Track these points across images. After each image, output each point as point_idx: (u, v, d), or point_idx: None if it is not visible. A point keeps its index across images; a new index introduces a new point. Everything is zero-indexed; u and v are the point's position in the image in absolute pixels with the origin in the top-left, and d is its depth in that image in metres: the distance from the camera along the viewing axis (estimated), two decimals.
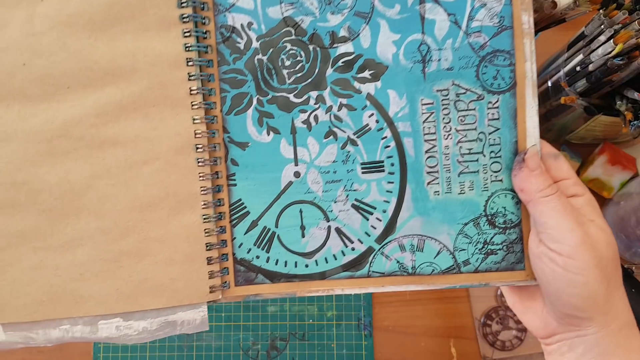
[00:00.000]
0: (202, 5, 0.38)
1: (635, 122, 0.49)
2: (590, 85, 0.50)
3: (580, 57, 0.53)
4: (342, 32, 0.38)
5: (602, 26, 0.49)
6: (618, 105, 0.51)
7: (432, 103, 0.38)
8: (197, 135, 0.38)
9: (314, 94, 0.38)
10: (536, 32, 0.55)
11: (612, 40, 0.47)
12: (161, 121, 0.38)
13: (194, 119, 0.38)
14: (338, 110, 0.39)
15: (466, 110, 0.38)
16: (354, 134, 0.39)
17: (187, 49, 0.37)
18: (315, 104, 0.39)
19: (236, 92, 0.39)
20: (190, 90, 0.38)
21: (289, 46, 0.39)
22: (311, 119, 0.39)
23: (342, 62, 0.38)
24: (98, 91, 0.37)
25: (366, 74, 0.38)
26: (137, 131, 0.37)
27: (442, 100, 0.38)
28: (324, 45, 0.38)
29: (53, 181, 0.38)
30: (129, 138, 0.37)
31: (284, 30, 0.38)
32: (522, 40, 0.37)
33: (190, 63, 0.37)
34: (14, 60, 0.36)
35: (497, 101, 0.38)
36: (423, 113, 0.38)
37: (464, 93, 0.38)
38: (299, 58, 0.39)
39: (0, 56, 0.36)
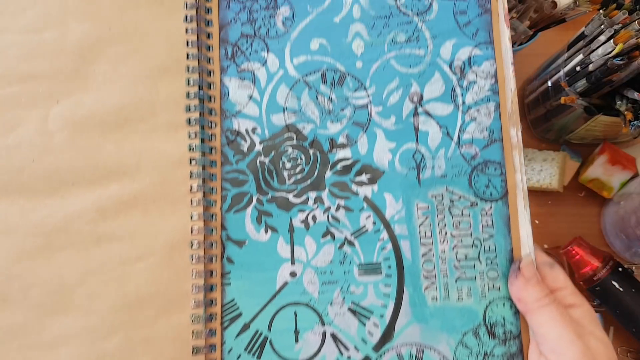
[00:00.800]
0: (210, 111, 0.40)
1: (635, 122, 0.47)
2: (590, 85, 0.48)
3: (580, 57, 0.51)
4: (341, 139, 0.38)
5: (602, 26, 0.47)
6: (618, 105, 0.49)
7: (428, 207, 0.37)
8: (194, 232, 0.37)
9: (312, 194, 0.38)
10: (536, 32, 0.55)
11: (612, 40, 0.45)
12: (159, 217, 0.37)
13: (192, 216, 0.37)
14: (336, 211, 0.38)
15: (461, 216, 0.37)
16: (352, 234, 0.37)
17: (192, 149, 0.38)
18: (313, 204, 0.38)
19: (237, 191, 0.38)
20: (191, 188, 0.36)
21: (290, 150, 0.39)
22: (309, 219, 0.38)
23: (340, 166, 0.38)
24: (101, 188, 0.35)
25: (363, 177, 0.38)
26: (134, 227, 0.37)
27: (437, 205, 0.37)
28: (323, 150, 0.38)
29: (46, 276, 0.35)
30: (126, 233, 0.36)
31: (286, 135, 0.38)
32: (512, 152, 0.37)
33: (193, 162, 0.37)
34: (24, 157, 0.35)
35: (490, 208, 0.37)
36: (419, 217, 0.37)
37: (458, 199, 0.37)
38: (299, 161, 0.39)
39: (12, 153, 0.35)
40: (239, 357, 0.35)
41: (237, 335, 0.35)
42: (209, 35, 0.38)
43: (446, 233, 0.36)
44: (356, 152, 0.37)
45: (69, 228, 0.34)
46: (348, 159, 0.37)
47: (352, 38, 0.38)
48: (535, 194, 0.64)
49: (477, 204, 0.36)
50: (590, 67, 0.48)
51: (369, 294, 0.36)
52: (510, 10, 0.52)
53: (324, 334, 0.36)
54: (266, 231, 0.37)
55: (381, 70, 0.38)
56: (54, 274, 0.34)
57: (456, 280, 0.36)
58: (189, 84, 0.37)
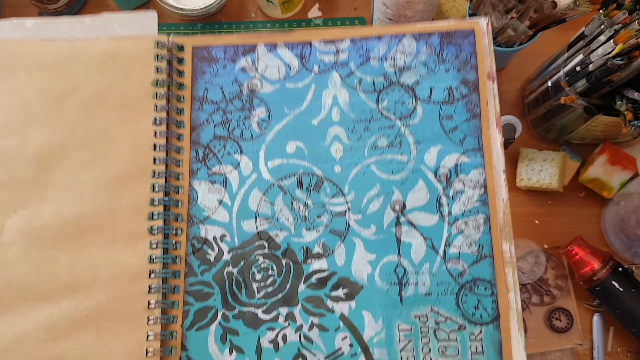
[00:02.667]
0: (176, 217, 0.37)
1: (635, 122, 0.46)
2: (590, 85, 0.48)
3: (580, 57, 0.50)
4: (317, 249, 0.35)
5: (602, 26, 0.47)
6: (618, 105, 0.48)
7: (410, 330, 0.33)
8: (149, 354, 0.32)
9: (283, 310, 0.34)
10: (536, 32, 0.54)
11: (612, 40, 0.45)
12: (112, 338, 0.33)
13: (147, 336, 0.33)
14: (309, 330, 0.33)
15: (447, 340, 0.33)
16: (326, 358, 0.33)
17: (152, 260, 0.34)
18: (284, 321, 0.33)
19: (201, 305, 0.34)
20: (149, 304, 0.33)
21: (261, 259, 0.35)
22: (279, 339, 0.33)
23: (315, 279, 0.34)
24: (53, 305, 0.32)
25: (340, 292, 0.34)
26: (85, 349, 0.32)
27: (421, 327, 0.33)
28: (297, 261, 0.35)
29: None
30: (76, 356, 0.32)
31: (258, 243, 0.35)
32: (504, 270, 0.34)
33: (152, 275, 0.34)
34: None
35: (480, 333, 0.33)
36: (401, 340, 0.33)
37: (444, 321, 0.33)
38: (270, 272, 0.35)
39: None
40: None
41: None
42: (179, 137, 0.36)
43: (431, 359, 0.32)
44: (333, 263, 0.34)
45: (19, 349, 0.31)
46: (324, 270, 0.34)
47: (331, 141, 0.36)
48: (535, 194, 0.64)
49: (465, 328, 0.32)
50: (590, 67, 0.47)
51: None
52: (510, 10, 0.52)
53: None
54: (230, 352, 0.33)
55: (361, 176, 0.35)
56: None
57: None
58: (154, 189, 0.35)
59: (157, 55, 0.37)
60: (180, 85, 0.37)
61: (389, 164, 0.35)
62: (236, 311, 0.34)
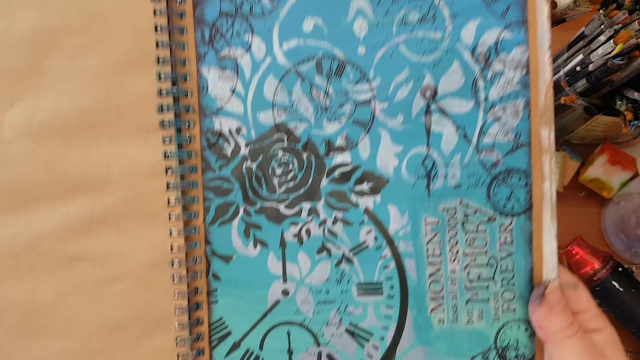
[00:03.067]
0: (186, 109, 0.34)
1: (635, 122, 0.47)
2: (590, 85, 0.48)
3: (580, 57, 0.50)
4: (339, 141, 0.32)
5: (602, 26, 0.46)
6: (618, 105, 0.49)
7: (438, 222, 0.32)
8: (174, 250, 0.33)
9: (306, 205, 0.33)
10: None
11: (612, 40, 0.45)
12: (135, 235, 0.33)
13: (171, 232, 0.33)
14: (333, 225, 0.33)
15: (476, 232, 0.32)
16: (350, 251, 0.33)
17: (167, 156, 0.33)
18: (307, 216, 0.33)
19: (221, 200, 0.33)
20: (169, 201, 0.32)
21: (280, 154, 0.33)
22: (303, 233, 0.33)
23: (338, 173, 0.32)
24: (68, 203, 0.31)
25: (364, 187, 0.33)
26: (108, 246, 0.33)
27: (449, 219, 0.32)
28: (318, 154, 0.33)
29: (19, 298, 0.32)
30: (99, 253, 0.33)
31: (276, 137, 0.32)
32: (541, 158, 0.32)
33: (169, 172, 0.33)
34: None
35: (510, 224, 0.32)
36: (427, 233, 0.32)
37: (474, 214, 0.32)
38: (291, 167, 0.34)
39: None
40: None
41: (227, 354, 0.33)
42: (181, 15, 0.32)
43: (457, 251, 0.32)
44: (357, 156, 0.32)
45: (38, 248, 0.31)
46: (347, 164, 0.32)
47: (354, 17, 0.31)
48: None
49: (495, 219, 0.31)
50: (590, 67, 0.47)
51: (368, 315, 0.32)
52: None
53: (320, 354, 0.33)
54: (255, 246, 0.33)
55: (388, 58, 0.31)
56: (27, 296, 0.32)
57: (467, 302, 0.32)
58: (160, 78, 0.31)
59: None
60: None
61: (420, 43, 0.31)
62: (258, 206, 0.33)
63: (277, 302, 0.33)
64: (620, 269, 0.56)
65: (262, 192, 0.33)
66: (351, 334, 0.33)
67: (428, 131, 0.32)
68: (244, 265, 0.33)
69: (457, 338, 0.32)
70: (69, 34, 0.30)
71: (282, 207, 0.33)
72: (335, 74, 0.32)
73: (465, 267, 0.32)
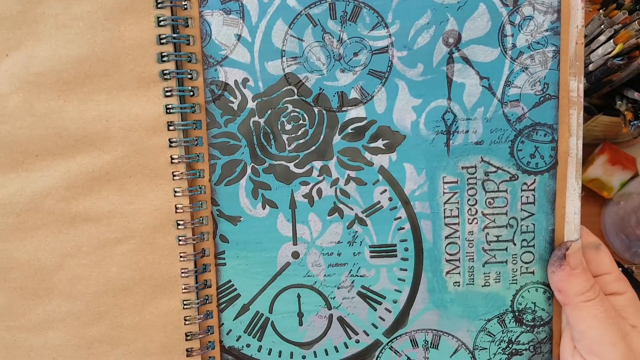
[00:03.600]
0: (188, 57, 0.32)
1: (635, 122, 0.48)
2: (590, 85, 0.48)
3: None
4: (353, 94, 0.30)
5: (602, 26, 0.46)
6: (618, 105, 0.49)
7: (456, 182, 0.30)
8: (179, 210, 0.31)
9: (317, 164, 0.31)
10: None
11: (612, 40, 0.45)
12: (138, 194, 0.32)
13: (175, 192, 0.31)
14: (345, 184, 0.31)
15: (496, 191, 0.30)
16: (363, 212, 0.31)
17: (169, 110, 0.31)
18: (318, 175, 0.31)
19: (228, 159, 0.31)
20: (172, 159, 0.30)
21: (290, 107, 0.31)
22: (314, 193, 0.31)
23: (351, 129, 0.30)
24: (68, 160, 0.29)
25: (379, 143, 0.31)
26: (111, 205, 0.31)
27: (469, 178, 0.30)
28: (331, 108, 0.30)
29: (23, 258, 0.31)
30: (101, 213, 0.31)
31: (285, 89, 0.30)
32: (568, 111, 0.29)
33: (171, 127, 0.30)
34: None
35: (533, 182, 0.30)
36: (445, 193, 0.30)
37: (495, 172, 0.30)
38: (301, 122, 0.31)
39: None
40: (238, 338, 0.32)
41: (236, 317, 0.32)
42: None
43: (476, 212, 0.30)
44: (372, 110, 0.30)
45: (39, 207, 0.30)
46: (362, 119, 0.30)
47: None
48: None
49: (517, 177, 0.30)
50: (590, 67, 0.47)
51: (381, 278, 0.31)
52: None
53: (331, 317, 0.32)
54: (264, 206, 0.31)
55: (408, 0, 0.29)
56: (31, 257, 0.30)
57: (484, 265, 0.31)
58: (159, 23, 0.29)
59: None
60: None
61: None
62: (266, 165, 0.31)
63: (287, 265, 0.32)
64: (620, 269, 0.58)
65: (270, 149, 0.31)
66: (363, 297, 0.32)
67: (449, 82, 0.29)
68: (252, 227, 0.32)
69: (472, 301, 0.31)
70: None
71: (291, 166, 0.31)
72: (349, 18, 0.29)
73: (484, 228, 0.30)
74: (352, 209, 0.31)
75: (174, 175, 0.30)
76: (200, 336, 0.32)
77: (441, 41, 0.29)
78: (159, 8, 0.29)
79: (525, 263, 0.31)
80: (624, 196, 0.60)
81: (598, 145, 0.60)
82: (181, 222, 0.30)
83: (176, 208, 0.30)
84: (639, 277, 0.59)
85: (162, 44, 0.29)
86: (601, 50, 0.46)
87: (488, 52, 0.29)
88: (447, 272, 0.31)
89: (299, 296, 0.32)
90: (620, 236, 0.60)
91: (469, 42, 0.29)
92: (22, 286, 0.31)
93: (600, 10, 0.47)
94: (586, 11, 0.49)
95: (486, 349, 0.32)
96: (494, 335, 0.31)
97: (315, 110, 0.30)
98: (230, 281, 0.32)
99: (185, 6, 0.30)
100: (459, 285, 0.31)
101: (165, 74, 0.29)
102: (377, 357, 0.32)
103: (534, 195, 0.30)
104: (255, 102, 0.30)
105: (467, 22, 0.29)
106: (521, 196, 0.30)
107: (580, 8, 0.28)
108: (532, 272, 0.31)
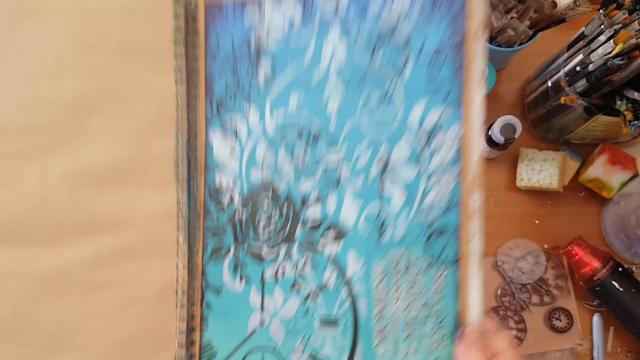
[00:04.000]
0: (195, 165, 0.43)
1: (635, 122, 0.47)
2: (590, 85, 0.48)
3: (580, 57, 0.51)
4: (312, 197, 0.40)
5: (602, 26, 0.47)
6: (618, 105, 0.49)
7: (385, 268, 0.39)
8: (179, 282, 0.41)
9: (283, 249, 0.41)
10: (536, 32, 0.56)
11: (612, 40, 0.45)
12: (149, 268, 0.42)
13: (177, 266, 0.42)
14: (303, 266, 0.41)
15: (415, 278, 0.38)
16: (316, 289, 0.40)
17: (179, 203, 0.42)
18: (284, 258, 0.41)
19: (216, 242, 0.42)
20: (178, 240, 0.42)
21: (265, 206, 0.42)
22: (279, 272, 0.41)
23: (310, 224, 0.40)
24: (97, 239, 0.41)
25: (330, 235, 0.40)
26: (127, 276, 0.42)
27: (395, 266, 0.39)
28: (295, 207, 0.41)
29: (49, 318, 0.41)
30: (119, 282, 0.42)
31: (263, 192, 0.41)
32: (468, 220, 0.38)
33: (180, 215, 0.43)
34: (27, 209, 0.42)
35: (443, 273, 0.38)
36: (376, 277, 0.39)
37: (414, 262, 0.38)
38: (273, 217, 0.42)
39: (16, 204, 0.42)
40: None
41: None
42: (196, 86, 0.42)
43: (400, 293, 0.38)
44: (325, 210, 0.40)
45: (68, 276, 0.41)
46: (317, 217, 0.40)
47: (328, 96, 0.41)
48: (535, 194, 0.65)
49: (431, 268, 0.38)
50: (590, 67, 0.48)
51: (327, 345, 0.39)
52: (510, 10, 0.53)
53: None
54: (240, 281, 0.41)
55: (353, 131, 0.40)
56: (56, 317, 0.41)
57: (405, 338, 0.38)
58: (177, 139, 0.41)
59: (176, 14, 0.42)
60: (194, 41, 0.43)
61: (380, 118, 0.40)
62: (245, 248, 0.41)
63: (254, 331, 0.41)
64: (620, 269, 0.56)
65: (249, 236, 0.41)
66: (313, 359, 0.40)
67: (382, 192, 0.39)
68: (230, 298, 0.41)
69: None
70: (107, 100, 0.42)
71: (264, 250, 0.41)
72: (312, 142, 0.41)
73: (406, 307, 0.38)
74: (308, 287, 0.40)
75: (177, 254, 0.41)
76: None
77: (376, 161, 0.40)
78: (178, 127, 0.42)
79: (439, 339, 0.38)
80: (623, 196, 0.60)
81: (598, 145, 0.61)
82: (179, 291, 0.41)
83: (177, 279, 0.41)
84: (639, 277, 0.58)
85: (178, 154, 0.42)
86: (601, 50, 0.47)
87: (409, 171, 0.39)
88: (377, 343, 0.38)
89: (262, 357, 0.40)
90: (620, 236, 0.60)
91: (395, 164, 0.39)
92: (46, 341, 0.41)
93: (601, 11, 0.48)
94: (586, 11, 0.50)
95: None
96: None
97: (284, 208, 0.41)
98: (210, 341, 0.41)
99: (196, 126, 0.42)
100: (386, 355, 0.38)
101: (178, 177, 0.41)
102: None
103: (444, 283, 0.38)
104: (241, 200, 0.42)
105: (395, 149, 0.39)
106: (434, 283, 0.38)
107: (478, 141, 0.38)
108: (444, 347, 0.38)
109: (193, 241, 0.42)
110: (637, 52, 0.46)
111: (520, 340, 0.61)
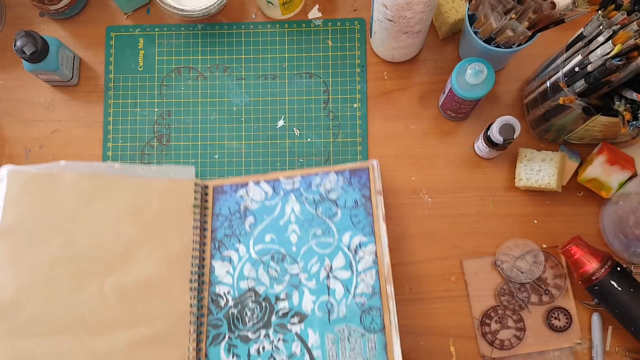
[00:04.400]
0: (202, 282, 0.64)
1: (633, 123, 0.47)
2: (589, 85, 0.48)
3: (579, 57, 0.51)
4: (282, 295, 0.61)
5: (601, 27, 0.47)
6: (617, 105, 0.49)
7: (334, 338, 0.58)
8: (190, 359, 0.59)
9: (263, 332, 0.59)
10: (535, 33, 0.56)
11: (610, 41, 0.45)
12: (170, 349, 0.57)
13: (189, 349, 0.58)
14: (277, 343, 0.59)
15: (355, 342, 0.58)
16: (287, 357, 0.58)
17: (192, 306, 0.61)
18: (263, 337, 0.59)
19: (216, 332, 0.60)
20: (190, 332, 0.60)
21: (250, 304, 0.62)
22: (260, 348, 0.59)
23: (281, 313, 0.60)
24: (132, 330, 0.58)
25: (295, 319, 0.60)
26: (155, 355, 0.57)
27: (340, 336, 0.58)
28: (271, 303, 0.61)
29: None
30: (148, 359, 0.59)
31: (248, 295, 0.62)
32: (387, 301, 0.59)
33: (192, 314, 0.61)
34: (88, 309, 0.59)
35: (373, 337, 0.57)
36: (328, 344, 0.58)
37: (354, 332, 0.58)
38: (256, 311, 0.62)
39: (80, 307, 0.59)
40: None
41: None
42: (205, 236, 0.65)
43: (346, 354, 0.56)
44: (291, 303, 0.60)
45: (111, 357, 0.57)
46: (286, 307, 0.60)
47: (290, 233, 0.64)
48: (534, 194, 0.65)
49: (365, 335, 0.57)
50: (589, 68, 0.48)
51: None
52: (509, 11, 0.55)
53: None
54: (233, 358, 0.58)
55: (307, 252, 0.63)
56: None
57: None
58: (192, 265, 0.62)
59: (194, 191, 0.66)
60: (206, 207, 0.66)
61: (323, 244, 0.63)
62: (236, 334, 0.59)
63: None
64: (618, 269, 0.56)
65: (239, 326, 0.59)
66: None
67: (328, 288, 0.60)
68: None
69: None
70: (148, 241, 0.63)
71: (249, 334, 0.59)
72: (280, 260, 0.62)
73: None
74: (281, 356, 0.57)
75: (189, 340, 0.58)
76: None
77: (323, 269, 0.61)
78: (192, 258, 0.62)
79: None
80: (622, 196, 0.59)
81: (597, 145, 0.61)
82: None
83: (189, 358, 0.57)
84: (638, 277, 0.58)
85: (192, 275, 0.62)
86: (600, 50, 0.46)
87: (345, 273, 0.61)
88: None
89: None
90: (619, 236, 0.59)
91: (336, 269, 0.61)
92: None
93: (599, 11, 0.47)
94: (585, 12, 0.49)
95: None
96: None
97: (264, 304, 0.60)
98: None
99: (204, 259, 0.63)
100: None
101: (191, 289, 0.61)
102: None
103: (375, 345, 0.56)
104: (233, 302, 0.61)
105: (334, 260, 0.62)
106: (368, 345, 0.56)
107: (386, 253, 0.61)
108: None
109: (200, 332, 0.59)
110: (636, 52, 0.45)
111: (519, 339, 0.62)
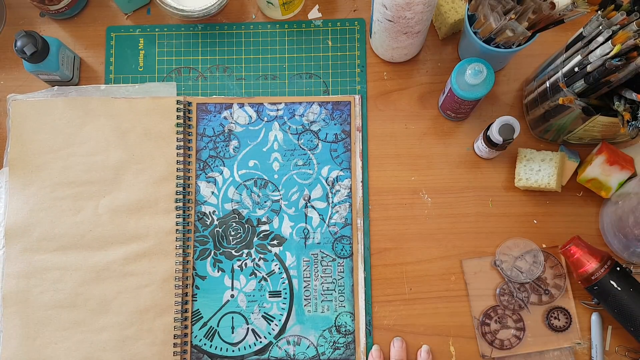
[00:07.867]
0: (188, 201, 0.70)
1: (633, 123, 0.47)
2: (589, 85, 0.49)
3: (578, 58, 0.51)
4: (264, 219, 0.69)
5: (601, 27, 0.47)
6: (616, 105, 0.49)
7: (309, 261, 0.68)
8: (177, 272, 0.67)
9: (245, 251, 0.68)
10: (534, 33, 0.57)
11: (610, 41, 0.46)
12: (158, 262, 0.66)
13: (176, 263, 0.67)
14: (258, 261, 0.68)
15: (327, 266, 0.68)
16: (266, 274, 0.68)
17: (178, 224, 0.68)
18: (245, 256, 0.69)
19: (202, 247, 0.68)
20: (176, 247, 0.67)
21: (234, 224, 0.69)
22: (243, 265, 0.68)
23: (262, 235, 0.68)
24: (127, 246, 0.65)
25: (275, 242, 0.68)
26: (144, 268, 0.65)
27: (314, 259, 0.68)
28: (253, 225, 0.69)
29: (96, 294, 0.64)
30: (139, 272, 0.65)
31: (232, 216, 0.69)
32: (357, 233, 0.68)
33: (178, 231, 0.68)
34: (85, 228, 0.65)
35: (342, 262, 0.68)
36: (304, 266, 0.69)
37: (326, 257, 0.68)
38: (239, 232, 0.69)
39: (79, 226, 0.65)
40: (200, 340, 0.66)
41: (200, 328, 0.66)
42: (189, 156, 0.68)
43: (318, 275, 0.67)
44: (272, 226, 0.68)
45: (109, 268, 0.64)
46: (267, 230, 0.68)
47: (272, 161, 0.69)
48: (534, 194, 0.66)
49: (336, 260, 0.67)
50: (589, 68, 0.48)
51: (274, 308, 0.67)
52: (508, 11, 0.55)
53: (248, 329, 0.66)
54: (218, 271, 0.67)
55: (288, 181, 0.69)
56: (101, 293, 0.64)
57: (321, 302, 0.67)
58: (177, 186, 0.67)
59: (177, 108, 0.68)
60: (189, 126, 0.69)
61: (303, 174, 0.69)
62: (221, 251, 0.67)
63: (227, 301, 0.67)
64: (618, 269, 0.56)
65: (224, 243, 0.67)
66: (264, 317, 0.66)
67: (306, 216, 0.68)
68: (211, 282, 0.67)
69: (316, 320, 0.66)
70: (135, 163, 0.66)
71: (233, 252, 0.67)
72: (263, 187, 0.69)
73: (322, 283, 0.67)
74: (261, 273, 0.67)
75: (176, 255, 0.66)
76: (181, 337, 0.64)
77: (302, 198, 0.68)
78: (178, 179, 0.67)
79: (340, 302, 0.67)
80: (622, 196, 0.59)
81: (596, 145, 0.61)
82: (178, 278, 0.65)
83: (176, 271, 0.65)
84: (638, 277, 0.58)
85: (178, 194, 0.67)
86: (599, 51, 0.46)
87: (322, 204, 0.68)
88: (305, 305, 0.67)
89: (232, 318, 0.66)
90: (618, 236, 0.59)
91: (314, 199, 0.68)
92: (94, 308, 0.64)
93: (599, 12, 0.48)
94: (584, 12, 0.49)
95: (323, 345, 0.66)
96: (326, 338, 0.66)
97: (246, 226, 0.68)
98: (198, 309, 0.66)
99: (189, 178, 0.68)
100: (310, 312, 0.66)
101: (177, 208, 0.66)
102: (269, 350, 0.66)
103: (344, 269, 0.67)
104: (218, 221, 0.68)
105: (313, 191, 0.69)
106: (338, 268, 0.67)
107: (360, 187, 0.69)
108: (344, 307, 0.67)
109: (187, 247, 0.67)
110: (635, 52, 0.45)
111: (519, 339, 0.63)
